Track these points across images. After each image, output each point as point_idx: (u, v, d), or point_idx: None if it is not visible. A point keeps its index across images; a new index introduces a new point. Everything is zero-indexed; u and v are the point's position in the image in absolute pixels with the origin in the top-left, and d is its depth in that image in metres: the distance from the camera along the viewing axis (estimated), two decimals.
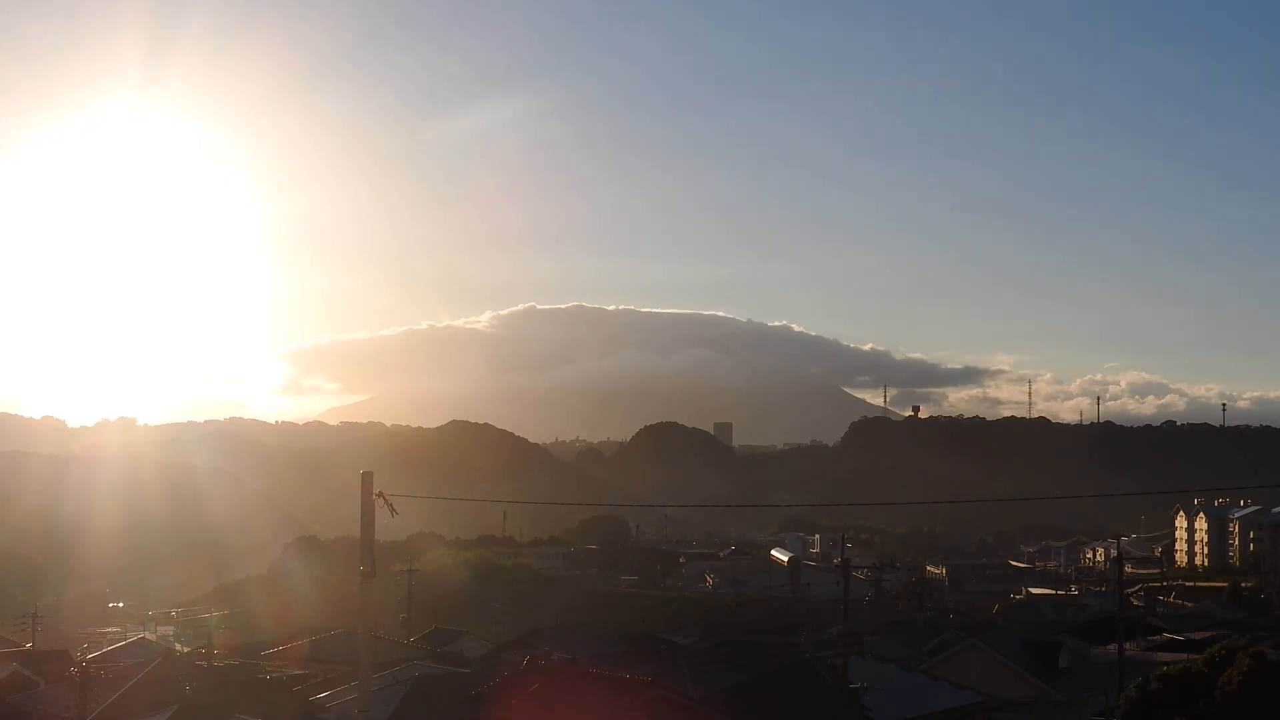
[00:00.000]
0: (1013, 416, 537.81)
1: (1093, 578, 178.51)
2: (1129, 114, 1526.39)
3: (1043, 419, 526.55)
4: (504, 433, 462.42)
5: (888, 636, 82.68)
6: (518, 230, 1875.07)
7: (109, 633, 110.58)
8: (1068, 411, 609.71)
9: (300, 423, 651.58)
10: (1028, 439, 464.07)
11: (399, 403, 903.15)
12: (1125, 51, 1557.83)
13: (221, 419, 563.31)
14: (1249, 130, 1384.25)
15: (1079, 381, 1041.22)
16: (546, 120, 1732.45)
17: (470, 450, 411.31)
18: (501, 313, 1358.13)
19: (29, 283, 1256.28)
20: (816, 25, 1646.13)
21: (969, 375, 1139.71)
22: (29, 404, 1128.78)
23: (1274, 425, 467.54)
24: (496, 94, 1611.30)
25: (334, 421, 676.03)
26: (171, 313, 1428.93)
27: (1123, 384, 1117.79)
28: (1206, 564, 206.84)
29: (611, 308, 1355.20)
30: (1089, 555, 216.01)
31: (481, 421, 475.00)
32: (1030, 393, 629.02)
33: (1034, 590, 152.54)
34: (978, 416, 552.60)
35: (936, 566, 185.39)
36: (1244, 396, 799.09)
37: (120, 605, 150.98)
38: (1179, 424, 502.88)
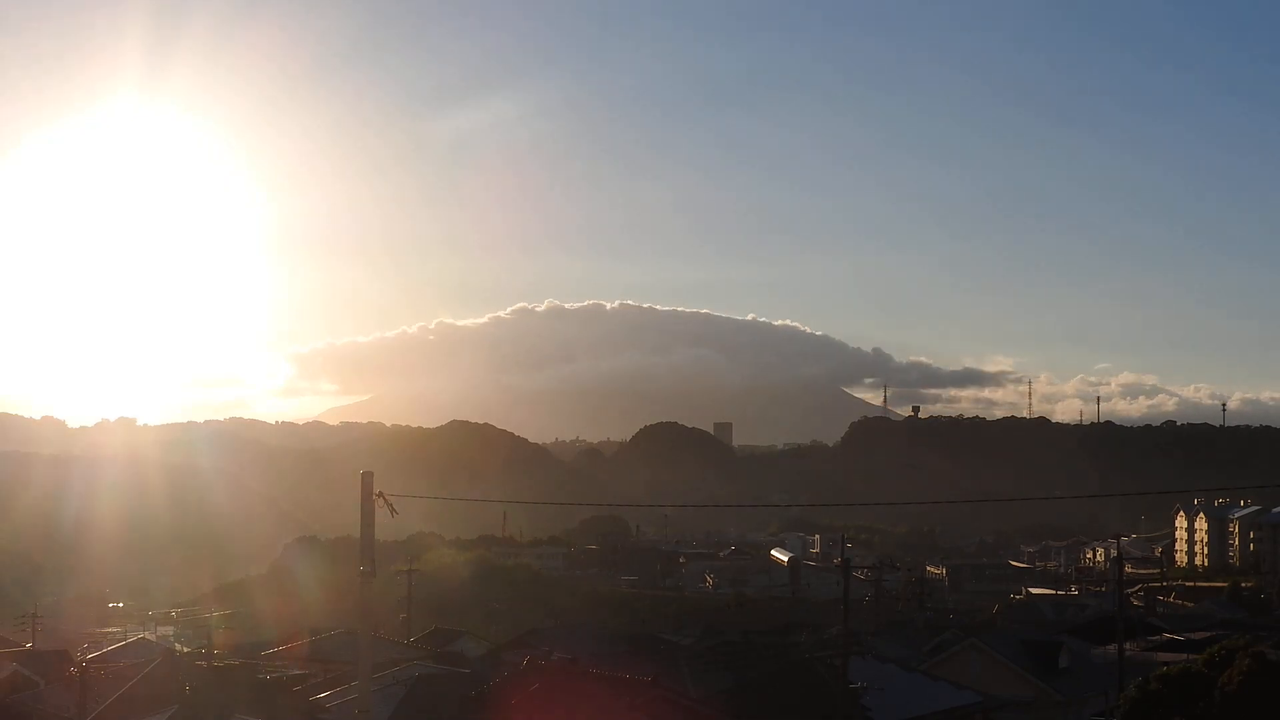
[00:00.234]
0: (1012, 416, 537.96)
1: (1093, 578, 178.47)
2: (1127, 116, 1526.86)
3: (1042, 419, 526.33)
4: (504, 433, 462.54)
5: (888, 637, 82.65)
6: (518, 230, 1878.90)
7: (109, 633, 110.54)
8: (1061, 413, 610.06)
9: (300, 423, 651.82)
10: (1027, 439, 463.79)
11: (399, 403, 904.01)
12: (1112, 57, 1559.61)
13: (222, 419, 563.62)
14: (1240, 134, 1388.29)
15: (1072, 383, 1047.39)
16: (547, 119, 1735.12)
17: (470, 450, 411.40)
18: (501, 312, 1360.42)
19: (29, 282, 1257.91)
20: (818, 26, 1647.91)
21: (968, 377, 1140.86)
22: (29, 404, 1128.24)
23: (1273, 425, 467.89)
24: (497, 93, 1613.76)
25: (334, 421, 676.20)
26: (171, 313, 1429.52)
27: (1114, 385, 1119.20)
28: (1206, 564, 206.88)
29: (611, 307, 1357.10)
30: (1089, 555, 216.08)
31: (481, 421, 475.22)
32: (1030, 393, 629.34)
33: (1034, 590, 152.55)
34: (977, 417, 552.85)
35: (936, 567, 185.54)
36: (1233, 398, 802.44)
37: (120, 605, 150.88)
38: (1178, 424, 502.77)
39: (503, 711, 41.97)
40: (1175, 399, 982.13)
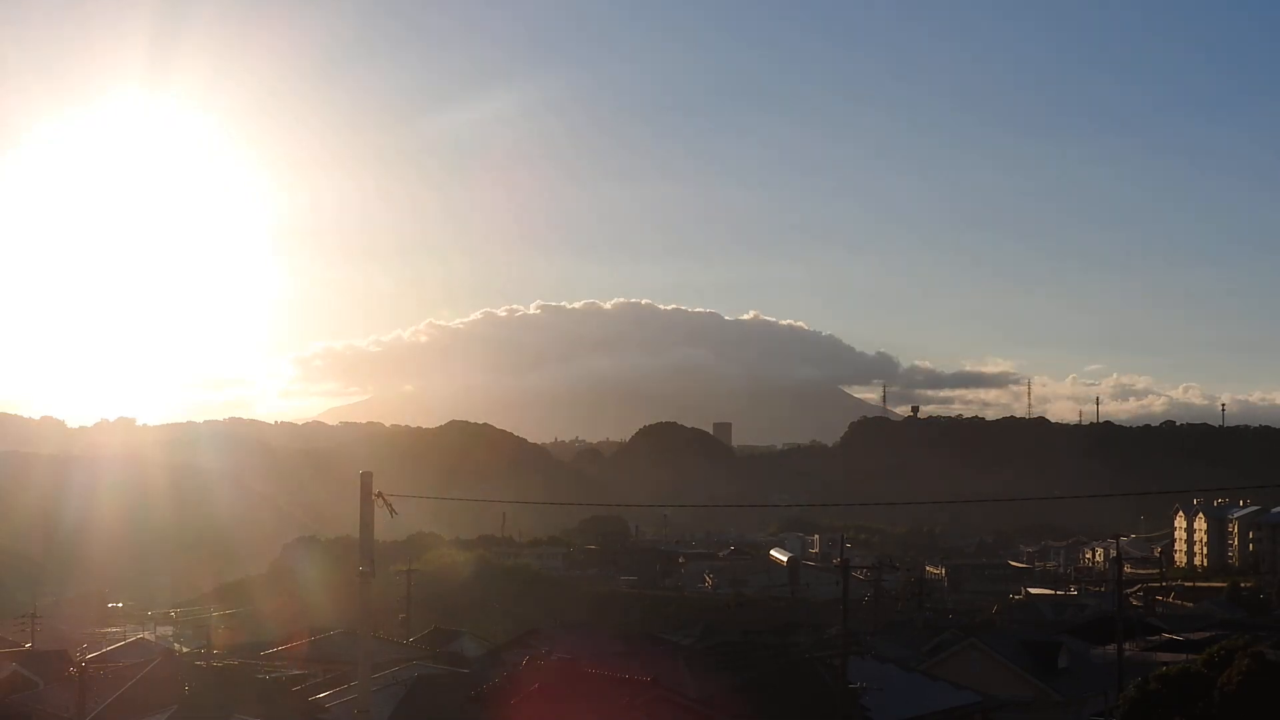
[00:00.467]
0: (1011, 416, 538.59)
1: (1092, 578, 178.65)
2: (1121, 119, 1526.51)
3: (1041, 419, 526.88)
4: (503, 433, 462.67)
5: (887, 637, 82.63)
6: (518, 230, 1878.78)
7: (109, 633, 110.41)
8: (1056, 414, 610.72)
9: (300, 423, 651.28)
10: (1026, 439, 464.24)
11: (399, 403, 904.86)
12: (1112, 57, 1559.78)
13: (221, 419, 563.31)
14: (1238, 133, 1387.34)
15: (1065, 384, 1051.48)
16: (548, 118, 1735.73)
17: (470, 450, 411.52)
18: (501, 312, 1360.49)
19: (29, 281, 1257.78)
20: (818, 27, 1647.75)
21: (967, 378, 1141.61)
22: (29, 404, 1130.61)
23: (1272, 425, 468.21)
24: (496, 92, 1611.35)
25: (334, 421, 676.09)
26: (170, 313, 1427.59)
27: (1105, 386, 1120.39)
28: (1206, 564, 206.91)
29: (611, 307, 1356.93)
30: (1088, 555, 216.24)
31: (481, 421, 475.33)
32: (1030, 393, 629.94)
33: (1033, 590, 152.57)
34: (976, 417, 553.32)
35: (936, 567, 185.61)
36: (1222, 399, 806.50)
37: (120, 605, 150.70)
38: (1178, 424, 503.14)
39: (502, 711, 42.00)
40: (1165, 399, 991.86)
